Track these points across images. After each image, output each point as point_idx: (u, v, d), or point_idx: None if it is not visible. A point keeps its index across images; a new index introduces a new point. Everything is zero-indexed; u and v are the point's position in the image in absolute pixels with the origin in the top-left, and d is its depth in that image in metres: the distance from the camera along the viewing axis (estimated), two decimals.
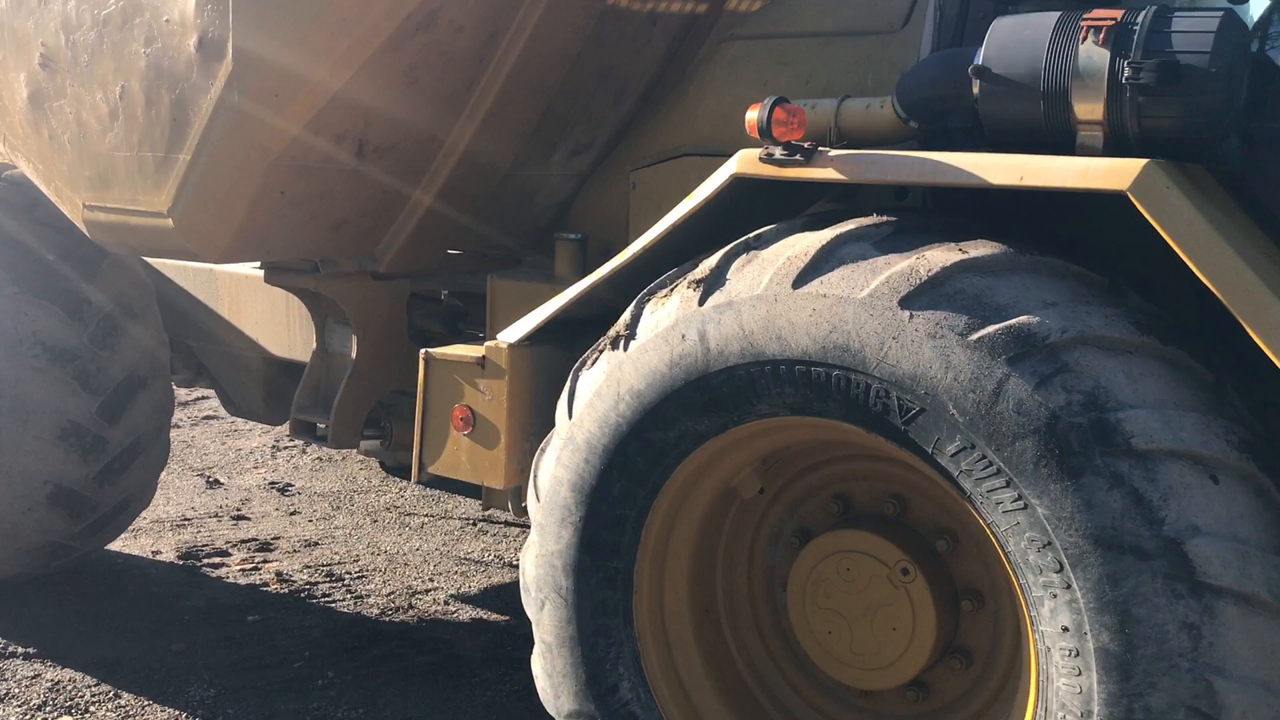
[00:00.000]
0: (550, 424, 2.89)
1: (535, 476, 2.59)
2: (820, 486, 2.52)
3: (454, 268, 4.10)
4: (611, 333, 2.48)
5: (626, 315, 2.43)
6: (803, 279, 2.13)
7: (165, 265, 4.57)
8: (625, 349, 2.38)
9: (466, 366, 2.84)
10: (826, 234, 2.18)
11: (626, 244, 3.45)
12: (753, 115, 2.32)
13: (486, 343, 2.84)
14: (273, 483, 5.98)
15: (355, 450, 6.30)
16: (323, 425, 3.99)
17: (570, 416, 2.48)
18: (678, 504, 2.47)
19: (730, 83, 3.23)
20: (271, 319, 4.35)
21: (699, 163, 3.20)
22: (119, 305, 4.18)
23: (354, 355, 3.99)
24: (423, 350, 2.97)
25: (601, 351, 2.48)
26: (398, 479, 6.08)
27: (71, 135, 3.66)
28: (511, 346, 2.78)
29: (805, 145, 2.30)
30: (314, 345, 4.12)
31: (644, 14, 3.73)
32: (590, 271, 3.27)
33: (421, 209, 3.81)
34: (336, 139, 3.41)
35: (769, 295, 2.15)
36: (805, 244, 2.18)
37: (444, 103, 3.54)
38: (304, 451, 6.53)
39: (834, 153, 2.30)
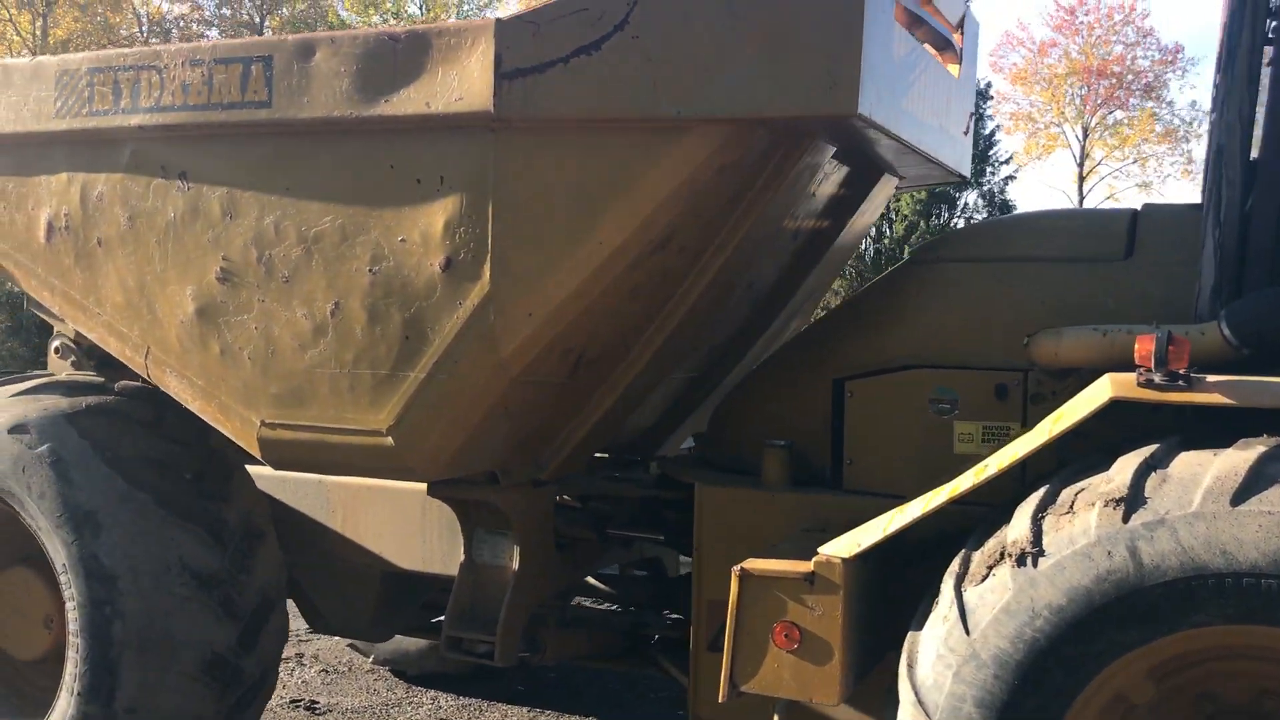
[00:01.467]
0: (872, 637, 3.02)
1: (918, 694, 2.69)
2: (1186, 687, 2.73)
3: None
4: (999, 547, 2.66)
5: (1023, 531, 2.62)
6: (1240, 496, 2.40)
7: (261, 477, 4.41)
8: (1034, 565, 2.56)
9: (792, 583, 2.94)
10: (1249, 454, 2.47)
11: (828, 449, 3.70)
12: (1145, 345, 2.61)
13: (815, 558, 2.95)
14: (295, 700, 5.65)
15: (368, 659, 6.08)
16: (487, 640, 3.92)
17: (967, 633, 2.62)
18: (1080, 715, 2.63)
19: (954, 301, 3.53)
20: (400, 531, 4.27)
21: (925, 375, 3.48)
22: (249, 524, 4.01)
23: (515, 566, 3.97)
24: (737, 566, 3.04)
25: (992, 567, 2.65)
26: (424, 688, 5.88)
27: (254, 351, 3.59)
28: (846, 561, 2.91)
29: (1183, 372, 2.60)
30: (461, 558, 4.07)
31: (791, 230, 4.07)
32: (786, 477, 3.51)
33: (596, 416, 3.91)
34: (564, 354, 3.52)
35: (1207, 513, 2.41)
36: (1229, 464, 2.46)
37: (647, 316, 3.70)
38: (304, 664, 6.20)
39: (1214, 379, 2.61)
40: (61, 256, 3.95)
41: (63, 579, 3.71)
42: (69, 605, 3.69)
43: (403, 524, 4.26)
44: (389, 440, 3.47)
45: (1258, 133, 3.03)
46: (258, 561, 3.95)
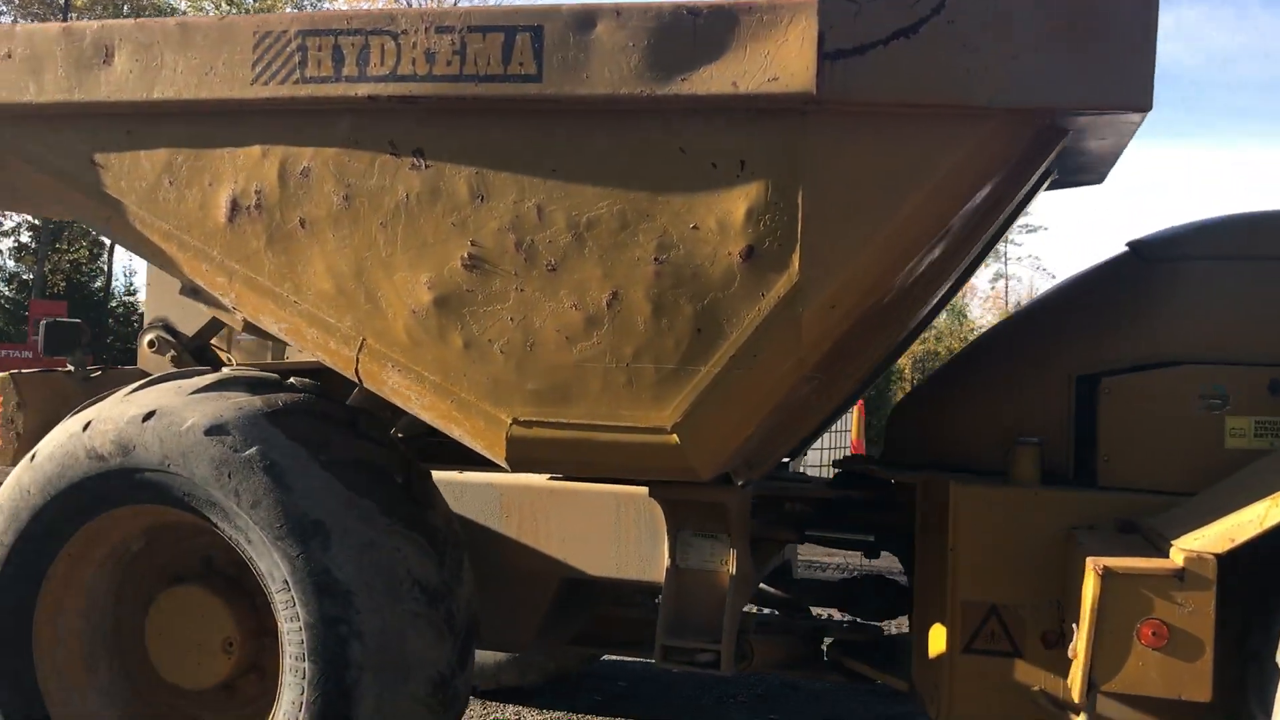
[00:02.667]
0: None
1: None
2: None
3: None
4: None
5: None
6: None
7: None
8: None
9: (1160, 580, 2.96)
10: None
11: (1068, 446, 3.75)
12: None
13: (1184, 555, 2.97)
14: None
15: None
16: (711, 649, 3.80)
17: None
18: None
19: (1220, 298, 3.63)
20: (590, 535, 4.08)
21: (1191, 371, 3.57)
22: (453, 532, 3.76)
23: (733, 569, 3.86)
24: (1099, 564, 3.03)
25: None
26: (500, 701, 5.65)
27: (508, 344, 3.37)
28: (1218, 558, 2.94)
29: None
30: (664, 562, 3.93)
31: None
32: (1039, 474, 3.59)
33: (825, 413, 3.86)
34: (835, 347, 3.44)
35: None
36: None
37: (902, 310, 3.68)
38: None
39: None
40: (248, 239, 3.60)
41: (280, 597, 3.38)
42: (289, 626, 3.36)
43: (593, 527, 4.08)
44: (673, 439, 3.31)
45: None
46: (464, 572, 3.70)
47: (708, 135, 3.24)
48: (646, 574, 4.02)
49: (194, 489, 3.45)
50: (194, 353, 4.58)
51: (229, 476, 3.41)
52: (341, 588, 3.35)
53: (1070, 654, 3.13)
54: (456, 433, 3.52)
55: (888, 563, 7.47)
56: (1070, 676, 3.15)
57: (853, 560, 8.20)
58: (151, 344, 4.60)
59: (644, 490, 3.98)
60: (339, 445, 3.56)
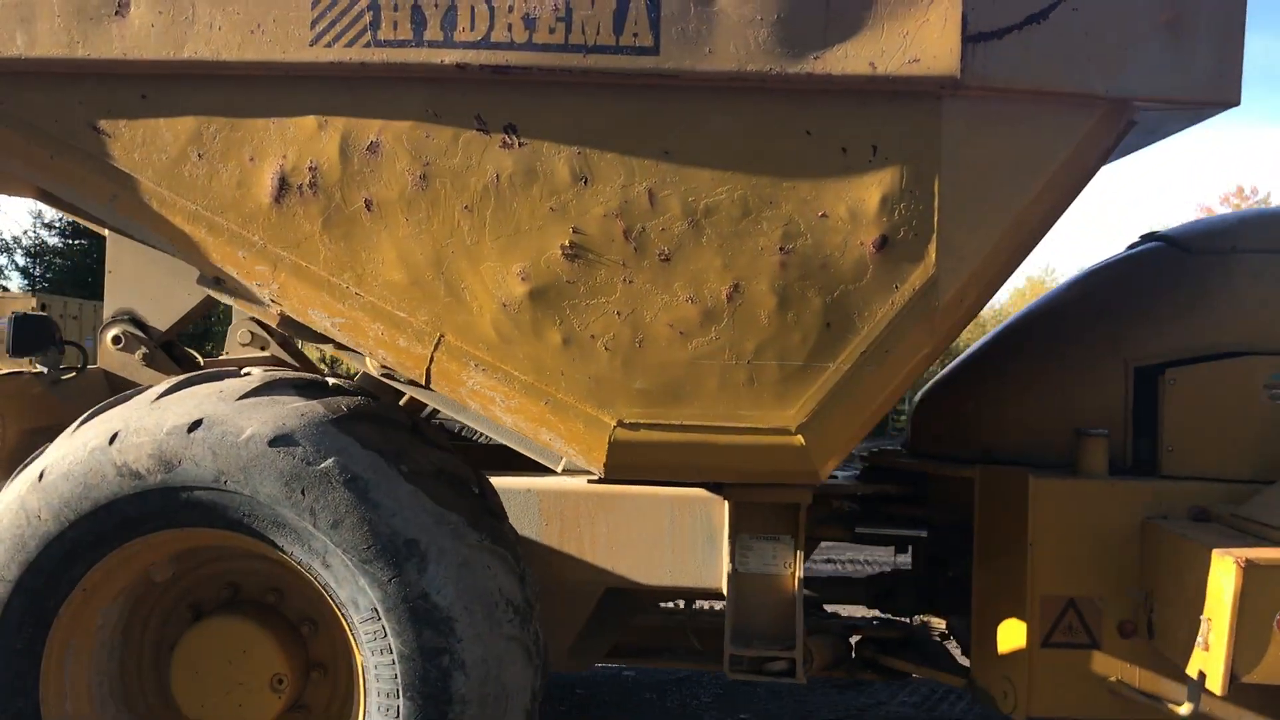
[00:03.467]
0: None
1: None
2: None
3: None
4: None
5: None
6: None
7: None
8: None
9: None
10: None
11: (1127, 436, 3.81)
12: None
13: None
14: None
15: None
16: (787, 656, 3.66)
17: None
18: None
19: (1269, 289, 3.74)
20: (641, 542, 3.85)
21: (1257, 362, 3.68)
22: (520, 543, 3.47)
23: (799, 571, 3.74)
24: (1241, 557, 3.05)
25: None
26: None
27: (614, 340, 3.12)
28: None
29: None
30: (724, 568, 3.76)
31: None
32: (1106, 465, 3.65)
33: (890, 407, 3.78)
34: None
35: None
36: None
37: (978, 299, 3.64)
38: None
39: None
40: (299, 221, 3.19)
41: (366, 628, 3.01)
42: (377, 660, 3.00)
43: (644, 533, 3.84)
44: (798, 439, 3.15)
45: None
46: (538, 587, 3.41)
47: (837, 117, 3.08)
48: (703, 580, 3.82)
49: (256, 509, 3.03)
50: (164, 348, 4.05)
51: (302, 493, 3.01)
52: (441, 614, 3.02)
53: (1202, 646, 3.16)
54: (546, 437, 3.23)
55: (882, 555, 7.49)
56: (1200, 668, 3.18)
57: (868, 556, 8.21)
58: (117, 339, 4.04)
59: (699, 492, 3.79)
60: (416, 454, 3.20)
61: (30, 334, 3.81)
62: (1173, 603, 3.39)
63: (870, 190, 3.07)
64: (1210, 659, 3.11)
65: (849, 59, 3.02)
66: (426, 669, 3.00)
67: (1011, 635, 3.75)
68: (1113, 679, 3.63)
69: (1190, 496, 3.63)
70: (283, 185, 3.18)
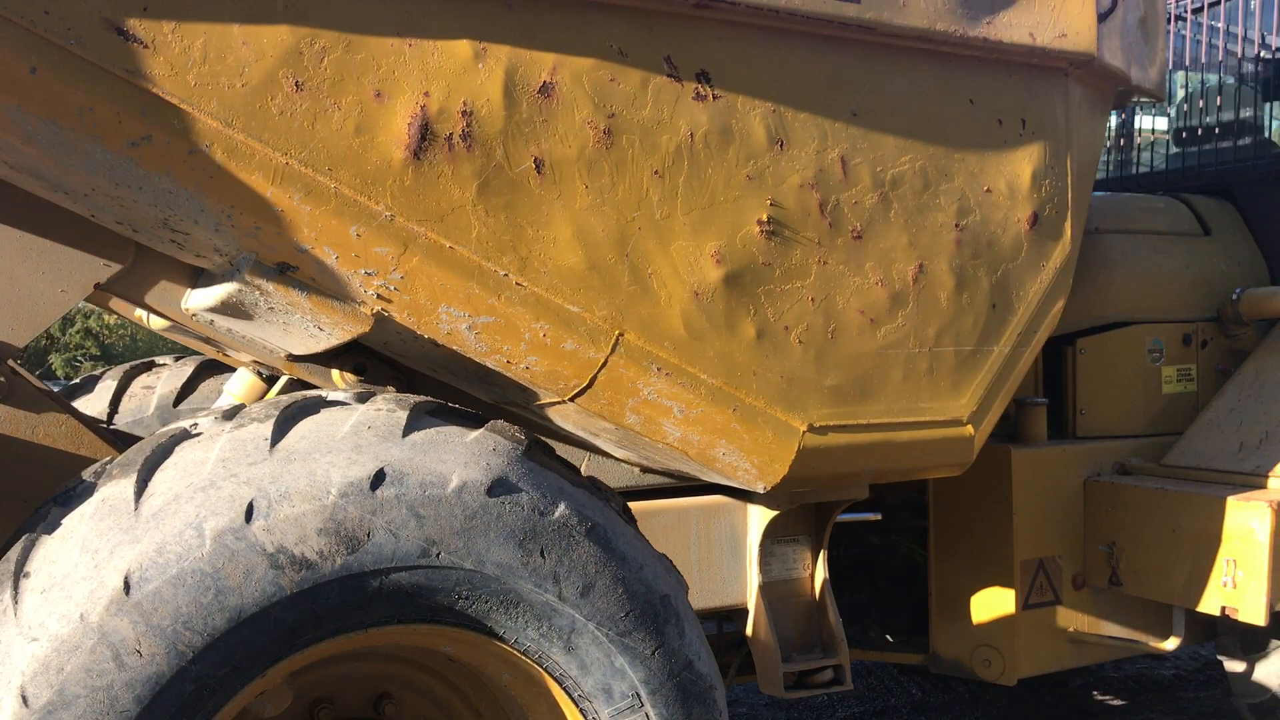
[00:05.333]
0: None
1: None
2: None
3: None
4: None
5: None
6: None
7: None
8: None
9: None
10: None
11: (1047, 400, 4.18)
12: None
13: None
14: None
15: None
16: (833, 664, 3.48)
17: None
18: None
19: (1135, 265, 4.25)
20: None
21: (1142, 330, 4.20)
22: None
23: (823, 573, 3.57)
24: (1272, 501, 3.42)
25: None
26: None
27: (807, 331, 2.74)
28: None
29: None
30: (756, 580, 3.47)
31: None
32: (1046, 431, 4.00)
33: None
34: None
35: None
36: None
37: None
38: None
39: None
40: (445, 186, 2.33)
41: (612, 710, 2.30)
42: None
43: (672, 552, 3.37)
44: (968, 430, 2.99)
45: None
46: None
47: (994, 88, 2.97)
48: (729, 598, 3.44)
49: (479, 585, 2.15)
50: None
51: (542, 555, 2.21)
52: (705, 684, 2.39)
53: (1229, 585, 3.53)
54: (720, 452, 2.70)
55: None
56: (1224, 603, 3.54)
57: None
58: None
59: (722, 499, 3.41)
60: (604, 487, 2.50)
61: None
62: (1147, 548, 3.75)
63: (1023, 165, 3.00)
64: (1242, 595, 3.50)
65: (1013, 28, 2.92)
66: None
67: (992, 603, 3.88)
68: (1071, 630, 3.92)
69: (1113, 454, 4.03)
70: (424, 134, 2.29)
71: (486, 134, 2.35)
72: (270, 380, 3.63)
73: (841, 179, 2.73)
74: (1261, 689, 3.97)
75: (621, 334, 2.53)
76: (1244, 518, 3.53)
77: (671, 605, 2.38)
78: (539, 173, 2.41)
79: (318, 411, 2.30)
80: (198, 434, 2.23)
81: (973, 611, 3.95)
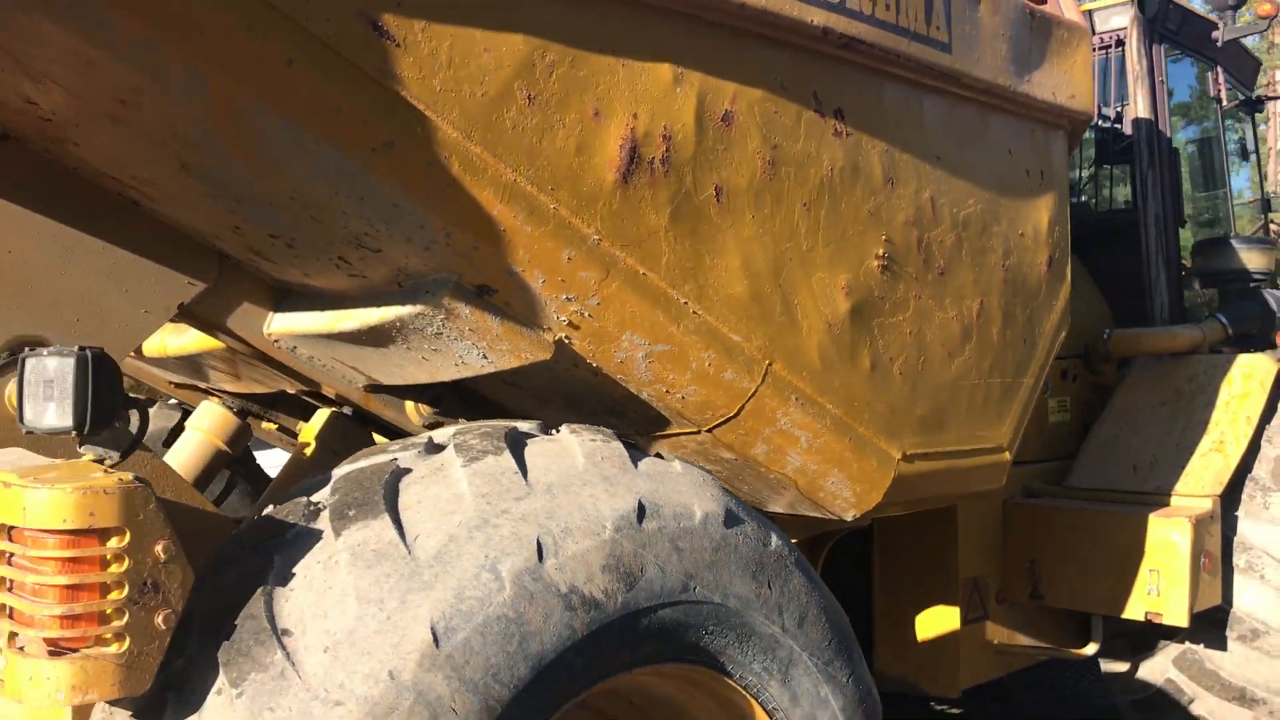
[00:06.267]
0: None
1: None
2: None
3: None
4: None
5: None
6: None
7: None
8: None
9: (1208, 521, 3.96)
10: None
11: None
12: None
13: (1208, 499, 4.00)
14: None
15: None
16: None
17: None
18: None
19: None
20: None
21: None
22: None
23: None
24: (1189, 515, 3.86)
25: None
26: None
27: (906, 363, 2.88)
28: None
29: None
30: None
31: None
32: None
33: None
34: None
35: None
36: None
37: None
38: None
39: None
40: (644, 211, 2.28)
41: None
42: None
43: None
44: (1006, 456, 3.21)
45: None
46: None
47: (1022, 140, 3.23)
48: None
49: (723, 620, 2.09)
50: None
51: (769, 586, 2.18)
52: (879, 708, 2.43)
53: (1153, 593, 3.94)
54: (830, 483, 2.76)
55: None
56: (1147, 609, 3.94)
57: None
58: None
59: None
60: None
61: (102, 392, 1.84)
62: (1068, 563, 4.12)
63: (1043, 212, 3.27)
64: (1166, 601, 3.93)
65: (1043, 86, 3.20)
66: None
67: (938, 620, 4.12)
68: (996, 642, 4.23)
69: (1019, 478, 4.40)
70: (633, 157, 2.23)
71: (680, 159, 2.32)
72: (242, 415, 3.32)
73: (931, 218, 2.89)
74: (1146, 685, 4.46)
75: (771, 364, 2.54)
76: (1166, 531, 3.97)
77: (847, 632, 2.42)
78: (718, 201, 2.40)
79: (526, 443, 2.16)
80: (409, 469, 2.04)
81: (918, 628, 4.18)
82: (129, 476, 1.71)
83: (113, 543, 1.67)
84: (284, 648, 1.74)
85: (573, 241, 2.18)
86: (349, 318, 2.33)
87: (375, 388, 2.72)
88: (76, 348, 1.83)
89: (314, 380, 2.89)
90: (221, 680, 1.75)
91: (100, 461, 1.87)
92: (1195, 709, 4.32)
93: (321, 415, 2.98)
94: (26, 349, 2.15)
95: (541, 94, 2.10)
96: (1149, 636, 4.42)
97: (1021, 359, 3.23)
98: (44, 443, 2.07)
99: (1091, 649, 4.27)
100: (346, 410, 2.99)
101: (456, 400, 2.82)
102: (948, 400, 2.99)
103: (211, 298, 2.47)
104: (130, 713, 1.81)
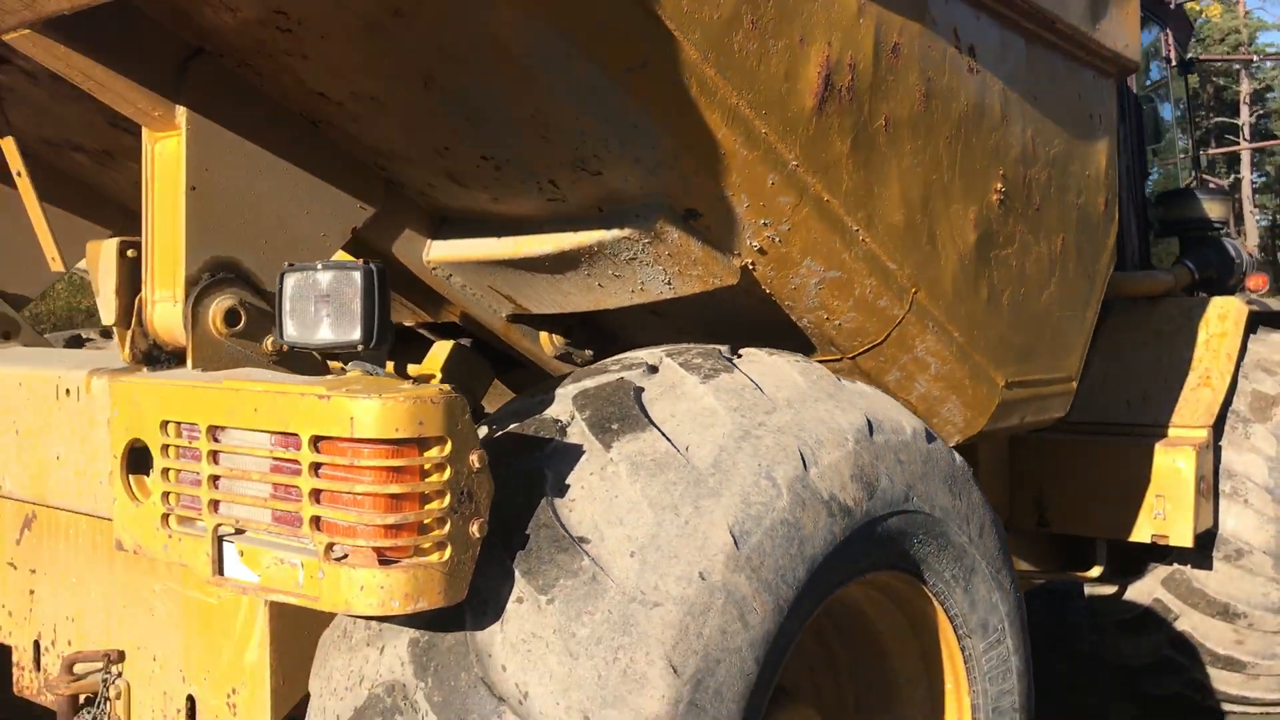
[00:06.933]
0: None
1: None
2: None
3: None
4: None
5: None
6: None
7: None
8: None
9: None
10: None
11: None
12: (1256, 281, 4.82)
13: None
14: None
15: None
16: None
17: None
18: None
19: None
20: None
21: None
22: None
23: None
24: (1192, 443, 4.13)
25: None
26: None
27: (1011, 294, 3.03)
28: None
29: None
30: None
31: None
32: None
33: None
34: None
35: None
36: None
37: None
38: None
39: None
40: (831, 138, 2.35)
41: (991, 654, 2.41)
42: (996, 690, 2.43)
43: None
44: (1074, 386, 3.39)
45: None
46: None
47: (1088, 86, 3.39)
48: None
49: (930, 528, 2.19)
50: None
51: (960, 498, 2.29)
52: (1025, 616, 2.58)
53: (1161, 517, 4.20)
54: (947, 410, 2.89)
55: None
56: (1154, 532, 4.21)
57: None
58: (233, 317, 2.05)
59: None
60: None
61: (386, 307, 1.76)
62: (1075, 492, 4.37)
63: (1101, 155, 3.45)
64: (1172, 524, 4.20)
65: (1108, 35, 3.36)
66: (1029, 685, 2.56)
67: None
68: None
69: None
70: (828, 85, 2.30)
71: (861, 89, 2.39)
72: None
73: (1032, 155, 3.02)
74: (1133, 606, 4.76)
75: (916, 292, 2.65)
76: (1171, 459, 4.24)
77: (1002, 539, 2.56)
78: (886, 131, 2.48)
79: (743, 362, 2.22)
80: (641, 387, 2.08)
81: None
82: (446, 387, 1.70)
83: (434, 452, 1.67)
84: (588, 554, 1.77)
85: (777, 166, 2.24)
86: (540, 243, 2.33)
87: (517, 318, 2.72)
88: (361, 262, 1.80)
89: (436, 311, 2.87)
90: (522, 588, 1.76)
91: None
92: (1180, 625, 4.63)
93: (442, 347, 2.95)
94: (211, 271, 2.11)
95: (761, 19, 2.14)
96: (1137, 561, 4.72)
97: (1085, 294, 3.41)
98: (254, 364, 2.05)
99: (1096, 571, 4.54)
100: (465, 341, 2.97)
101: (584, 332, 2.85)
102: (1037, 331, 3.15)
103: (380, 222, 2.43)
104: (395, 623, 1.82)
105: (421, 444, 1.66)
